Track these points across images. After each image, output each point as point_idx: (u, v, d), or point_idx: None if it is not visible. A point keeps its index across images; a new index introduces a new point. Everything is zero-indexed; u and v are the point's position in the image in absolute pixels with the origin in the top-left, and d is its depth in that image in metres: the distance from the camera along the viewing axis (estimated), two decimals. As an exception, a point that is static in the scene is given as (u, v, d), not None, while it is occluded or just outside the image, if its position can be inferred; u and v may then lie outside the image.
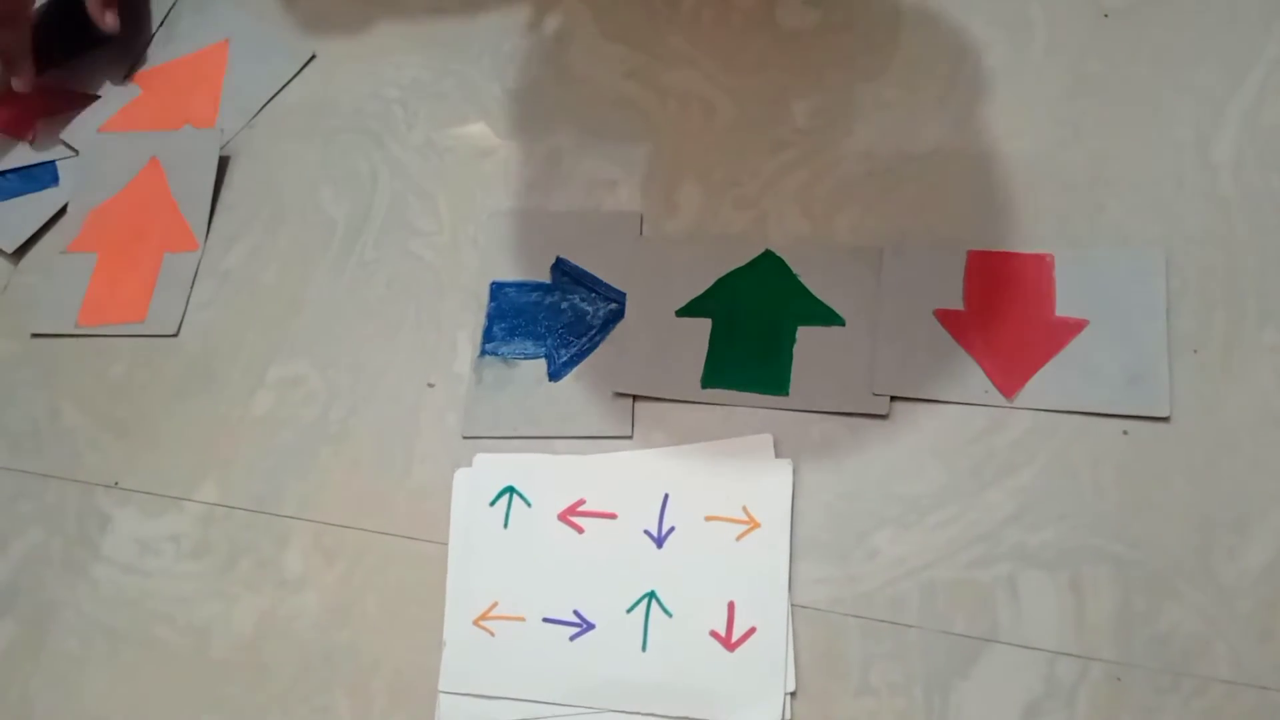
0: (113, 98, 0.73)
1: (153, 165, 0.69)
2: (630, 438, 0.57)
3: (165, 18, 0.76)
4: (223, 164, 0.69)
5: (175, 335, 0.64)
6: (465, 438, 0.59)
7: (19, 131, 0.72)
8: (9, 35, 0.69)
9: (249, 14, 0.75)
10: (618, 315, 0.60)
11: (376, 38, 0.72)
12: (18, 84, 0.70)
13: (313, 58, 0.72)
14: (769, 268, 0.60)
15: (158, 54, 0.75)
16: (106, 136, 0.71)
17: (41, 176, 0.71)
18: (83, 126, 0.72)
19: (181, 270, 0.66)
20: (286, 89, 0.71)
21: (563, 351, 0.60)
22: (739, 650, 0.52)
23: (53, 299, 0.66)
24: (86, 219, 0.68)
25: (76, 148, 0.72)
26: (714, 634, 0.52)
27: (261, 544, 0.58)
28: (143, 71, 0.74)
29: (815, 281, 0.59)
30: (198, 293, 0.65)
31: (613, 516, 0.56)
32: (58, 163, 0.71)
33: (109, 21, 0.71)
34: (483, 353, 0.61)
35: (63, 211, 0.70)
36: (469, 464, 0.58)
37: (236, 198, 0.68)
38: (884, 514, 0.54)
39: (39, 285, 0.67)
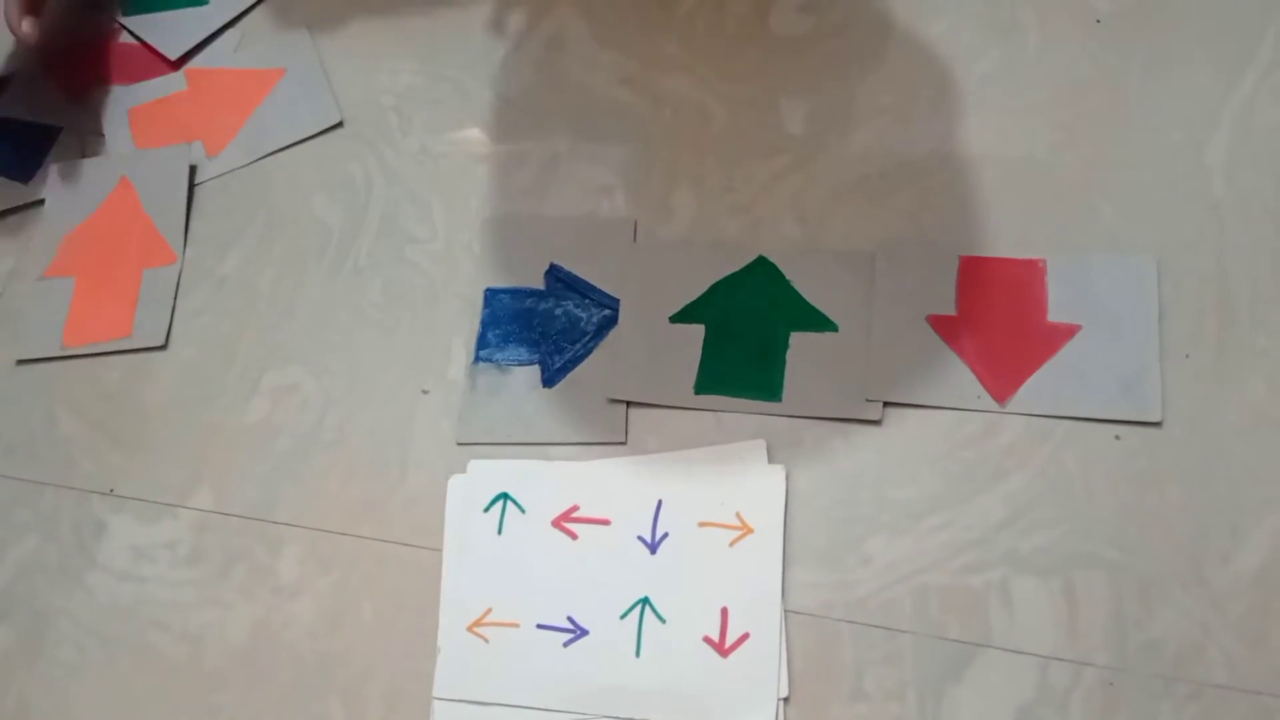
0: (157, 84, 0.73)
1: (123, 185, 0.69)
2: (624, 444, 0.58)
3: (245, 14, 0.75)
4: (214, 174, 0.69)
5: (164, 347, 0.64)
6: (459, 444, 0.59)
7: (71, 91, 0.72)
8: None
9: (311, 55, 0.72)
10: (611, 321, 0.60)
11: (371, 44, 0.72)
12: (27, 26, 0.68)
13: (339, 124, 0.70)
14: (762, 273, 0.60)
15: (221, 54, 0.74)
16: (73, 164, 0.71)
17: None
18: (117, 104, 0.73)
19: (163, 284, 0.66)
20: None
21: (556, 358, 0.60)
22: (732, 656, 0.52)
23: (34, 324, 0.66)
24: (61, 244, 0.68)
25: (104, 131, 0.72)
26: (707, 640, 0.52)
27: (256, 551, 0.58)
28: (196, 67, 0.73)
29: (808, 287, 0.59)
30: (192, 300, 0.65)
31: (606, 523, 0.56)
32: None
33: (26, 30, 0.68)
34: (477, 359, 0.61)
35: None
36: (463, 470, 0.58)
37: (231, 204, 0.68)
38: (877, 519, 0.54)
39: (19, 313, 0.67)
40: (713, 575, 0.54)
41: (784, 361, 0.58)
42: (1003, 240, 0.59)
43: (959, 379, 0.56)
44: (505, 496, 0.57)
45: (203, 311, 0.65)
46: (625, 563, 0.55)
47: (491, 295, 0.62)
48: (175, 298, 0.65)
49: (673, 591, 0.54)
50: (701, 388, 0.58)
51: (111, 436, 0.62)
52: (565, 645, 0.53)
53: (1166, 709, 0.49)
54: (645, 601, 0.54)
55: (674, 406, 0.58)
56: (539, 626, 0.54)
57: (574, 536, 0.56)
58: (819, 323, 0.58)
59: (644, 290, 0.61)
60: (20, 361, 0.65)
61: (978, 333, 0.57)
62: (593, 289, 0.61)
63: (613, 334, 0.60)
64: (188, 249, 0.67)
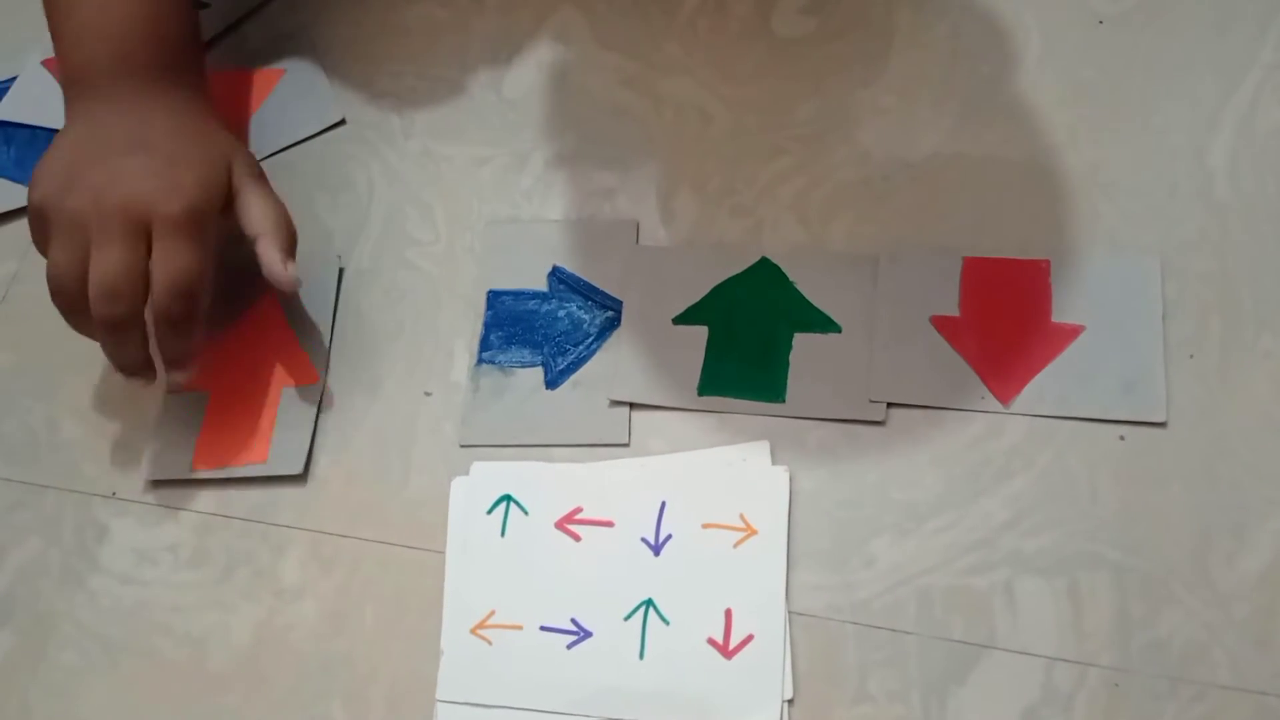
0: None
1: (270, 297, 0.63)
2: (627, 445, 0.57)
3: (246, 19, 0.74)
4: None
5: (302, 477, 0.59)
6: (462, 446, 0.59)
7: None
8: (178, 343, 0.57)
9: (311, 54, 0.72)
10: (614, 323, 0.60)
11: (372, 46, 0.72)
12: (177, 378, 0.59)
13: (341, 122, 0.70)
14: (765, 275, 0.60)
15: (221, 57, 0.73)
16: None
17: None
18: None
19: (303, 406, 0.60)
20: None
21: (559, 360, 0.60)
22: (736, 658, 0.52)
23: (164, 441, 0.61)
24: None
25: None
26: (711, 641, 0.52)
27: (259, 553, 0.58)
28: None
29: (812, 289, 0.59)
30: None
31: (610, 524, 0.56)
32: None
33: (291, 275, 0.58)
34: (480, 361, 0.61)
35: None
36: (466, 472, 0.58)
37: (234, 207, 0.68)
38: (881, 521, 0.54)
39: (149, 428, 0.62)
40: (716, 577, 0.54)
41: (787, 363, 0.58)
42: (1006, 241, 0.59)
43: (963, 380, 0.56)
44: (508, 498, 0.57)
45: (205, 314, 0.65)
46: (629, 564, 0.54)
47: (494, 297, 0.62)
48: (316, 423, 0.60)
49: (676, 593, 0.54)
50: (705, 389, 0.58)
51: (114, 439, 0.62)
52: (569, 647, 0.53)
53: (1171, 710, 0.48)
54: (649, 603, 0.54)
55: (677, 408, 0.58)
56: (542, 629, 0.54)
57: (577, 538, 0.56)
58: (822, 324, 0.58)
59: (647, 292, 0.61)
60: (152, 482, 0.60)
61: (981, 334, 0.57)
62: (595, 291, 0.61)
63: (615, 336, 0.60)
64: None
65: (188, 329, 0.57)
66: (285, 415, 0.60)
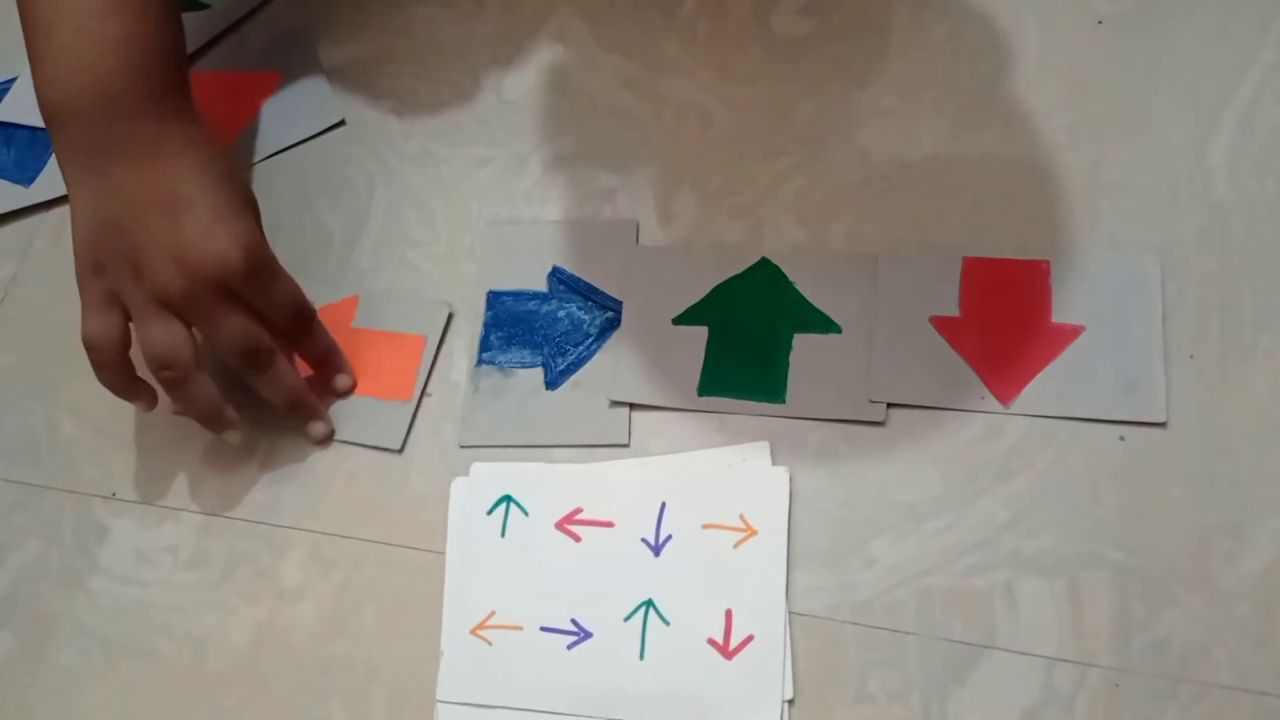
0: None
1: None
2: (627, 446, 0.57)
3: (246, 19, 0.74)
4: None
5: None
6: (462, 447, 0.59)
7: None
8: (322, 340, 0.61)
9: (311, 55, 0.72)
10: (614, 324, 0.60)
11: (372, 47, 0.72)
12: (343, 381, 0.61)
13: (341, 123, 0.70)
14: (765, 275, 0.60)
15: (222, 57, 0.73)
16: None
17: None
18: None
19: None
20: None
21: (559, 360, 0.60)
22: (737, 658, 0.52)
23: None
24: None
25: None
26: (711, 642, 0.52)
27: (259, 554, 0.58)
28: (197, 71, 0.71)
29: (811, 289, 0.59)
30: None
31: (610, 525, 0.56)
32: None
33: (320, 432, 0.60)
34: (479, 362, 0.61)
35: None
36: (466, 473, 0.58)
37: (234, 208, 0.68)
38: (881, 521, 0.54)
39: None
40: (717, 577, 0.54)
41: (787, 363, 0.58)
42: (1006, 241, 0.59)
43: (963, 380, 0.56)
44: (508, 499, 0.57)
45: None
46: (629, 565, 0.54)
47: (494, 298, 0.62)
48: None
49: (677, 594, 0.54)
50: (705, 390, 0.58)
51: (114, 440, 0.62)
52: (569, 648, 0.53)
53: (1172, 710, 0.48)
54: (649, 604, 0.54)
55: (677, 409, 0.58)
56: (543, 629, 0.54)
57: (577, 539, 0.56)
58: (822, 324, 0.58)
59: (647, 292, 0.61)
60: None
61: (981, 334, 0.57)
62: (595, 291, 0.61)
63: (615, 336, 0.60)
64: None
65: (314, 327, 0.60)
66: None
